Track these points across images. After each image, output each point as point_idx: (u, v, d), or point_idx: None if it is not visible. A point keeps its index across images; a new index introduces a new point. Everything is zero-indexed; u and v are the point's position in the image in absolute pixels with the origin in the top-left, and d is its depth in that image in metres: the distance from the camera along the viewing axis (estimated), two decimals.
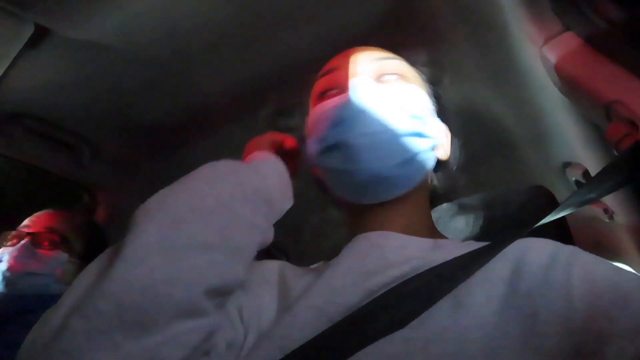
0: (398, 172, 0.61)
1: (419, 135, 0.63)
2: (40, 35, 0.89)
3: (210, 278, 0.45)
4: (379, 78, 0.67)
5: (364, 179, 0.61)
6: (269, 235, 0.55)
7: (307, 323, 0.51)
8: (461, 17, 0.84)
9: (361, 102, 0.61)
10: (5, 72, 0.95)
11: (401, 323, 0.48)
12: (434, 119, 0.68)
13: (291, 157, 0.68)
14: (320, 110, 0.65)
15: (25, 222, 1.27)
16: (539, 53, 0.75)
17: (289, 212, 0.72)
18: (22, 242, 1.20)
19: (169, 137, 1.24)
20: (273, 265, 0.64)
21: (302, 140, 0.70)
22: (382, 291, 0.51)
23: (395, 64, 0.69)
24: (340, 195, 0.67)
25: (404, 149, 0.61)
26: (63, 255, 1.24)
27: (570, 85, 0.72)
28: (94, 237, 1.36)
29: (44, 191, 1.66)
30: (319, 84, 0.70)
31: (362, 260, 0.58)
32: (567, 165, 1.04)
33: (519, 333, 0.46)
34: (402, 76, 0.68)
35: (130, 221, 0.46)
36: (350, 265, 0.58)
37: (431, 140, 0.65)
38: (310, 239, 0.90)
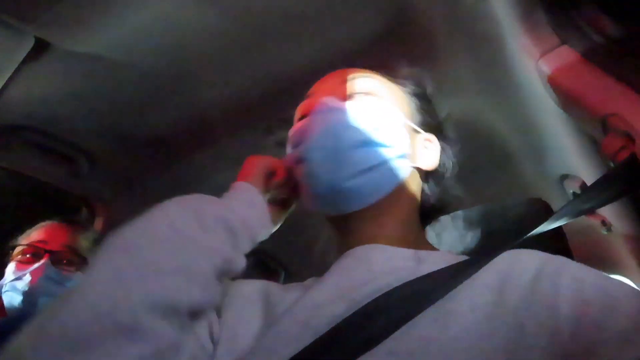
0: (356, 183, 0.64)
1: (381, 146, 0.65)
2: (40, 48, 0.90)
3: (158, 299, 0.46)
4: (346, 97, 0.69)
5: (321, 191, 0.66)
6: (236, 262, 0.56)
7: (292, 338, 0.52)
8: (458, 30, 0.85)
9: (318, 120, 0.67)
10: (5, 85, 0.96)
11: (386, 332, 0.48)
12: (404, 130, 0.69)
13: (288, 182, 0.69)
14: (290, 133, 0.72)
15: (38, 235, 1.24)
16: (536, 67, 0.75)
17: (288, 228, 0.72)
18: (43, 261, 1.18)
19: (168, 149, 1.24)
20: (256, 284, 0.65)
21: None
22: (367, 301, 0.51)
23: (365, 82, 0.71)
24: (308, 207, 0.70)
25: (360, 160, 0.64)
26: (79, 276, 1.23)
27: (566, 98, 0.73)
28: None
29: (42, 203, 1.66)
30: (299, 109, 0.74)
31: (348, 275, 0.59)
32: (564, 177, 1.04)
33: (504, 345, 0.46)
34: (369, 93, 0.70)
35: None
36: (336, 281, 0.59)
37: (395, 150, 0.66)
38: (309, 255, 0.89)
